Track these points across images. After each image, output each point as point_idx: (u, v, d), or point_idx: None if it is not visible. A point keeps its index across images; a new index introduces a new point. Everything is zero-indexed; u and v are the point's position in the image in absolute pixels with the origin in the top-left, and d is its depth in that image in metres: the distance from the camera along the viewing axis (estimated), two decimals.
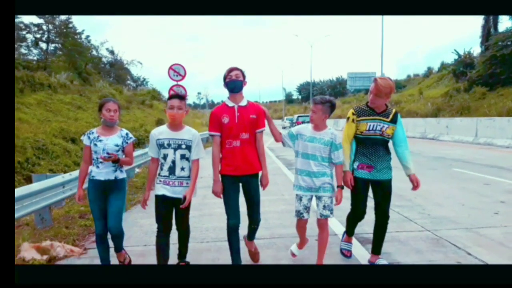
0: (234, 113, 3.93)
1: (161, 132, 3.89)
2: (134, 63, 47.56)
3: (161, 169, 3.90)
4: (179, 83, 16.03)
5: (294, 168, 4.10)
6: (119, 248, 4.20)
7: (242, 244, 4.17)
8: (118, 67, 45.50)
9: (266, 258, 4.50)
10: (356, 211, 4.15)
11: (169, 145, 3.83)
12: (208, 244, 4.99)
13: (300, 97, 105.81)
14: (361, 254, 4.48)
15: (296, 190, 4.01)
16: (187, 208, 3.90)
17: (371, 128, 3.96)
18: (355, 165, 4.05)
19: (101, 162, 3.97)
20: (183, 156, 3.85)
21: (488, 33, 36.70)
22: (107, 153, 3.94)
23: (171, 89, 15.87)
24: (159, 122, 23.57)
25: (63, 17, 32.50)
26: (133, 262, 4.40)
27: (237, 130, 3.89)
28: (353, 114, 4.06)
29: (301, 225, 4.13)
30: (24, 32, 31.10)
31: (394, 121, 4.01)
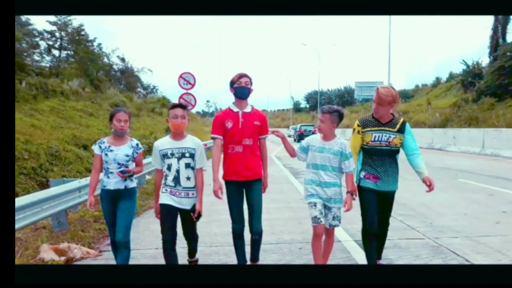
0: (238, 118, 3.98)
1: (164, 143, 3.94)
2: (144, 71, 48.51)
3: (166, 179, 3.92)
4: (189, 91, 16.36)
5: (301, 176, 4.25)
6: (124, 261, 4.06)
7: (247, 249, 4.24)
8: (129, 74, 46.22)
9: (272, 262, 4.70)
10: (365, 226, 4.03)
11: (172, 154, 3.86)
12: (216, 248, 5.22)
13: (308, 106, 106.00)
14: (361, 258, 4.65)
15: (308, 199, 3.96)
16: (193, 220, 3.96)
17: (376, 139, 3.96)
18: (362, 174, 4.06)
19: (111, 172, 4.03)
20: (187, 165, 3.88)
21: (496, 44, 36.80)
22: (125, 169, 3.99)
23: (181, 97, 16.18)
24: (169, 130, 23.89)
25: (75, 24, 33.27)
26: (145, 264, 4.63)
27: (240, 135, 3.94)
28: (358, 125, 4.08)
29: (319, 233, 3.92)
30: (37, 39, 31.86)
31: (401, 130, 3.99)
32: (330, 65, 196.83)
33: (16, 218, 4.37)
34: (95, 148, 4.11)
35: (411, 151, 4.05)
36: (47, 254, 4.71)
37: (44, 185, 11.35)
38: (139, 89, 49.19)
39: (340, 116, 3.95)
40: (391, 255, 4.82)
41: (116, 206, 4.06)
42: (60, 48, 33.00)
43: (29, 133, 14.53)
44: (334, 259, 4.64)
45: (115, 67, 44.37)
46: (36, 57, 31.27)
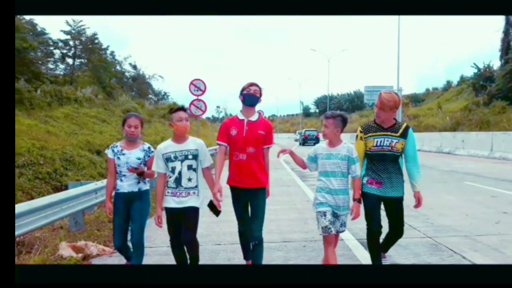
0: (243, 126, 4.04)
1: (167, 146, 3.98)
2: (156, 77, 49.10)
3: (168, 181, 3.99)
4: (200, 97, 16.73)
5: (308, 180, 4.34)
6: (139, 260, 4.25)
7: None
8: (140, 81, 46.82)
9: (277, 259, 4.96)
10: (370, 227, 4.08)
11: (176, 157, 3.91)
12: (224, 246, 5.49)
13: (317, 111, 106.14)
14: (362, 255, 4.90)
15: (318, 207, 3.98)
16: (194, 220, 3.96)
17: (378, 144, 3.99)
18: (364, 180, 4.08)
19: (124, 175, 4.19)
20: (190, 167, 3.93)
21: (507, 47, 36.69)
22: (137, 165, 4.14)
23: (191, 103, 16.56)
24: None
25: (89, 33, 33.96)
26: (158, 261, 4.93)
27: (244, 143, 4.00)
28: (360, 131, 4.13)
29: (330, 241, 3.98)
30: (51, 48, 32.58)
31: (404, 135, 3.99)
32: (339, 70, 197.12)
33: (37, 217, 4.70)
34: (108, 152, 4.26)
35: (409, 158, 4.06)
36: (66, 251, 5.02)
37: (59, 189, 11.66)
38: (150, 96, 49.81)
39: (344, 121, 3.99)
40: (391, 252, 5.01)
41: (129, 209, 4.21)
42: (74, 57, 33.64)
43: (44, 139, 14.92)
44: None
45: (127, 74, 45.07)
46: (50, 65, 32.00)
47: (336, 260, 4.01)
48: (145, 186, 4.32)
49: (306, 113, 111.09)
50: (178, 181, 3.92)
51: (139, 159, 4.22)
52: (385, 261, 4.63)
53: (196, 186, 3.98)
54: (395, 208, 4.11)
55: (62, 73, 32.58)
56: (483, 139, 21.54)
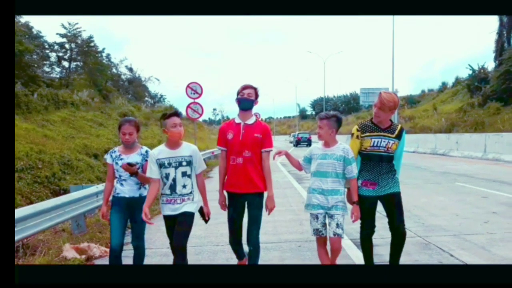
0: (240, 130, 4.02)
1: (160, 151, 3.91)
2: (152, 80, 49.31)
3: (163, 188, 3.94)
4: (196, 100, 16.90)
5: (304, 182, 4.31)
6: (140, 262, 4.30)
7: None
8: (137, 84, 46.99)
9: (273, 258, 5.15)
10: (363, 228, 4.15)
11: (169, 164, 3.86)
12: (223, 246, 5.68)
13: (314, 113, 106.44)
14: (355, 255, 5.10)
15: (310, 210, 4.01)
16: (186, 225, 3.89)
17: (375, 144, 3.97)
18: (359, 182, 4.05)
19: (124, 180, 4.18)
20: (184, 174, 3.89)
21: (501, 48, 37.02)
22: (132, 162, 4.11)
23: (188, 106, 16.73)
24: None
25: (85, 36, 34.13)
26: (158, 262, 5.12)
27: (240, 147, 3.97)
28: (357, 130, 4.08)
29: (321, 243, 4.07)
30: (47, 51, 32.71)
31: (399, 137, 4.02)
32: (335, 71, 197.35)
33: (42, 219, 4.89)
34: (107, 158, 4.27)
35: (395, 157, 4.10)
36: (69, 253, 5.20)
37: (57, 193, 11.80)
38: (146, 99, 49.96)
39: (338, 121, 3.96)
40: (382, 251, 5.23)
41: (130, 213, 4.21)
42: (70, 60, 33.81)
43: (42, 143, 15.05)
44: None
45: (123, 77, 45.24)
46: (46, 68, 32.11)
47: (329, 261, 4.08)
48: (146, 192, 4.25)
49: (303, 115, 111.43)
50: (172, 188, 3.88)
51: (137, 163, 4.22)
52: (379, 262, 4.77)
53: (191, 192, 3.94)
54: (394, 203, 4.05)
55: (58, 76, 32.67)
56: (476, 140, 21.84)
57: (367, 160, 4.06)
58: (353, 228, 5.00)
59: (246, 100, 4.05)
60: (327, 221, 3.98)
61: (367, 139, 4.00)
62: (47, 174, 13.00)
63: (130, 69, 47.28)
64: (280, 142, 66.21)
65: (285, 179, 13.24)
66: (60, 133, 18.48)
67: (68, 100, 24.09)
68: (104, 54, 38.82)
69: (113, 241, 4.17)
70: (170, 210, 3.89)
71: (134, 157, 4.22)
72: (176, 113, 3.91)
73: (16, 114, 17.25)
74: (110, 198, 4.32)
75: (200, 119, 34.63)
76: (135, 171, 4.10)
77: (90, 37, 34.87)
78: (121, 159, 4.19)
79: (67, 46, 33.40)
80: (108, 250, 5.49)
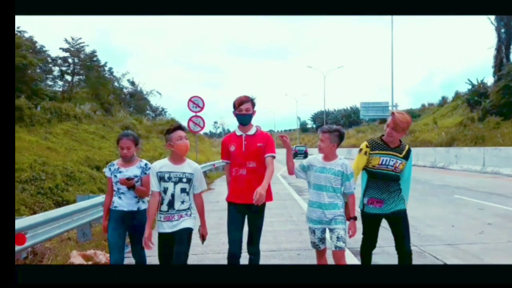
0: (242, 142, 4.02)
1: (163, 165, 3.88)
2: (153, 93, 49.79)
3: (161, 203, 3.89)
4: (198, 114, 17.16)
5: (304, 194, 4.30)
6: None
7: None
8: (138, 97, 47.45)
9: None
10: (366, 243, 4.18)
11: (169, 178, 3.83)
12: (224, 254, 5.81)
13: (314, 126, 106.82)
14: (355, 263, 5.27)
15: (308, 223, 4.03)
16: (185, 238, 3.85)
17: (383, 163, 3.93)
18: (365, 200, 4.04)
19: (122, 193, 4.17)
20: (183, 190, 3.85)
21: (500, 63, 37.41)
22: (130, 176, 4.12)
23: (190, 120, 16.99)
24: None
25: (88, 50, 34.67)
26: (158, 262, 5.28)
27: (244, 158, 3.99)
28: (366, 146, 4.02)
29: (320, 256, 4.10)
30: (50, 65, 33.18)
31: (406, 157, 3.99)
32: (335, 85, 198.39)
33: (51, 227, 5.10)
34: (106, 171, 4.28)
35: (404, 179, 4.08)
36: (76, 259, 5.38)
37: (60, 204, 11.96)
38: (148, 112, 50.37)
39: (340, 136, 3.94)
40: (379, 259, 5.42)
41: (128, 227, 4.21)
42: (72, 74, 34.24)
43: (45, 155, 15.28)
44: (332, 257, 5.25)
45: (125, 90, 45.71)
46: (49, 82, 32.54)
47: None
48: (144, 205, 4.27)
49: (303, 128, 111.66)
50: (170, 203, 3.84)
51: (135, 176, 4.20)
52: None
53: (189, 208, 3.92)
54: (400, 221, 4.06)
55: (60, 89, 33.07)
56: (475, 154, 22.04)
57: (374, 178, 4.02)
58: (352, 238, 5.18)
59: (245, 116, 4.04)
60: (328, 235, 3.98)
61: (376, 157, 3.97)
62: (50, 186, 13.17)
63: (132, 83, 47.93)
64: (279, 154, 66.11)
65: (285, 191, 13.42)
66: (63, 145, 18.71)
67: (71, 113, 24.39)
68: (106, 68, 39.44)
69: (112, 257, 4.18)
70: (169, 227, 3.83)
71: (132, 170, 4.21)
72: (180, 127, 3.94)
73: (20, 127, 17.53)
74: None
75: (201, 132, 34.93)
76: (132, 185, 4.11)
77: (93, 51, 35.48)
78: (120, 172, 4.19)
79: (70, 60, 33.88)
80: None
